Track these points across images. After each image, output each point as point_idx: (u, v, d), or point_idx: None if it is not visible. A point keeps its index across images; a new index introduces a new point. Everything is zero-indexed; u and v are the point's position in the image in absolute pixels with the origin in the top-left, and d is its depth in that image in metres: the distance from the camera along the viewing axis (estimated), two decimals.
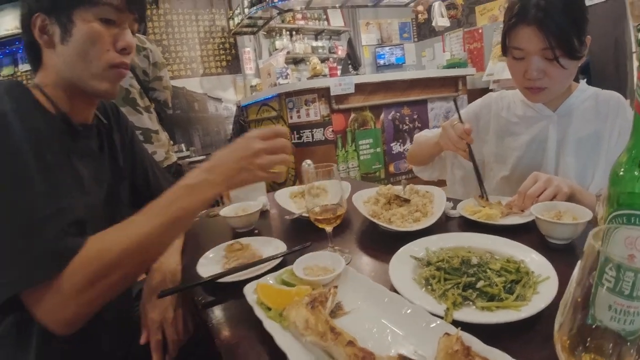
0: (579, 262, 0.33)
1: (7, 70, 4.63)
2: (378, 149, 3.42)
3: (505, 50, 1.06)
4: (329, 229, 0.77)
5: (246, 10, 3.86)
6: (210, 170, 0.70)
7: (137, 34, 2.33)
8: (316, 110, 3.19)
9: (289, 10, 4.06)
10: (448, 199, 0.99)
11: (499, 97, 1.26)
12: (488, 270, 0.63)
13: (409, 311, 0.54)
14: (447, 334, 0.47)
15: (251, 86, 4.65)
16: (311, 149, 3.27)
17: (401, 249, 0.73)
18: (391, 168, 3.52)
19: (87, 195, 0.77)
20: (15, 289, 0.58)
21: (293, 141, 3.33)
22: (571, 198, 0.88)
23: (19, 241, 0.58)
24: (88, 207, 0.74)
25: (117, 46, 0.77)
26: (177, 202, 0.67)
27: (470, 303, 0.57)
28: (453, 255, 0.69)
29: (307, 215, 0.81)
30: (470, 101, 3.88)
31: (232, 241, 0.88)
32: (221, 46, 5.00)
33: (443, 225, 0.93)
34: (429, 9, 4.65)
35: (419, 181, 1.28)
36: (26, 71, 4.64)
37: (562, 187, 0.87)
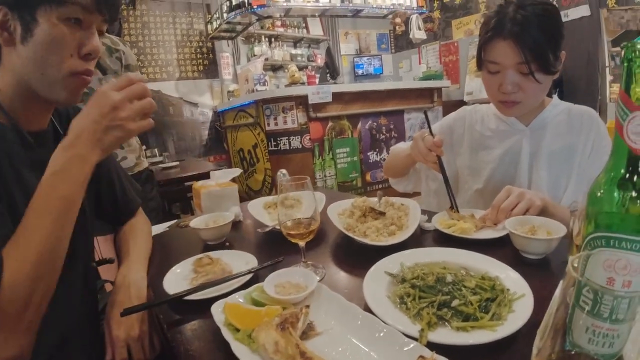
0: (559, 286, 0.33)
1: None
2: (355, 158, 3.43)
3: (481, 64, 1.07)
4: (302, 243, 0.74)
5: (225, 15, 3.82)
6: (72, 144, 0.64)
7: (110, 36, 2.26)
8: (294, 118, 3.18)
9: (268, 17, 4.05)
10: (423, 212, 0.99)
11: (473, 111, 1.27)
12: (463, 288, 0.62)
13: (382, 334, 0.52)
14: (421, 357, 0.46)
15: (228, 91, 4.59)
16: (288, 157, 3.25)
17: (375, 264, 0.71)
18: (368, 177, 3.54)
19: None
20: None
21: (270, 148, 3.30)
22: (544, 211, 0.89)
23: None
24: None
25: (82, 51, 0.69)
26: (54, 194, 0.62)
27: (445, 323, 0.56)
28: (428, 272, 0.68)
29: (278, 228, 0.79)
30: (445, 113, 3.98)
31: (201, 255, 0.84)
32: (198, 50, 4.92)
33: (418, 238, 0.92)
34: (406, 21, 4.74)
35: (394, 192, 1.28)
36: None
37: (534, 201, 0.88)
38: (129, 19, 4.51)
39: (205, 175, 2.87)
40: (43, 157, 0.74)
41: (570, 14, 3.97)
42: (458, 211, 0.99)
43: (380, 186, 3.62)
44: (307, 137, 3.20)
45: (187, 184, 3.02)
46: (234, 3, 3.65)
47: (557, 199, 1.05)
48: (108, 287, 1.12)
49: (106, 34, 2.07)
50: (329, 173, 3.33)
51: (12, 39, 0.68)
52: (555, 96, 1.15)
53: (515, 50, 0.96)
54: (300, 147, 3.21)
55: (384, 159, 3.61)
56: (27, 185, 0.69)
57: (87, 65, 0.71)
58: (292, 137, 3.21)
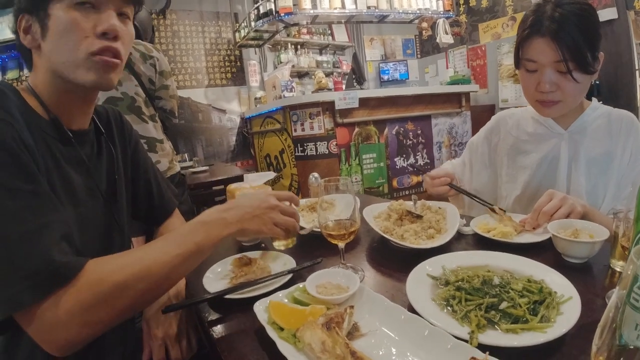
0: (616, 287, 0.33)
1: (12, 74, 4.58)
2: (382, 164, 3.41)
3: (518, 62, 1.05)
4: (341, 244, 0.74)
5: (252, 24, 3.89)
6: (226, 210, 0.73)
7: (144, 43, 2.33)
8: (320, 124, 3.18)
9: (295, 24, 4.09)
10: (461, 216, 0.97)
11: (507, 116, 1.25)
12: (511, 291, 0.60)
13: (429, 335, 0.51)
14: (473, 358, 0.44)
15: (255, 98, 4.66)
16: (315, 162, 3.25)
17: (417, 267, 0.70)
18: (394, 183, 3.50)
19: (79, 206, 0.73)
20: (10, 308, 0.54)
21: (297, 154, 3.32)
22: (584, 218, 0.86)
23: (8, 257, 0.55)
24: (80, 218, 0.72)
25: (97, 31, 0.70)
26: (192, 237, 0.67)
27: (494, 325, 0.55)
28: (473, 274, 0.67)
29: (318, 230, 0.79)
30: (473, 118, 3.92)
31: (239, 255, 0.85)
32: (227, 58, 5.03)
33: (456, 242, 0.90)
34: (433, 26, 4.69)
35: (427, 196, 1.26)
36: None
37: (576, 206, 0.86)
38: (159, 28, 4.66)
39: (234, 180, 2.92)
40: (83, 155, 0.78)
41: (599, 17, 3.85)
42: (501, 209, 0.97)
43: (407, 192, 3.57)
44: (334, 143, 3.20)
45: (215, 188, 3.08)
46: (261, 11, 3.72)
47: (596, 206, 1.01)
48: None
49: (140, 41, 2.15)
50: (356, 179, 3.32)
51: (35, 40, 0.72)
52: (594, 99, 1.11)
53: (553, 48, 0.94)
54: (327, 152, 3.21)
55: (411, 165, 3.58)
56: (67, 179, 0.72)
57: (105, 43, 0.71)
58: (318, 143, 3.22)
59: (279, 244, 0.89)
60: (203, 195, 3.04)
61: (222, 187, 3.07)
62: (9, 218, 0.56)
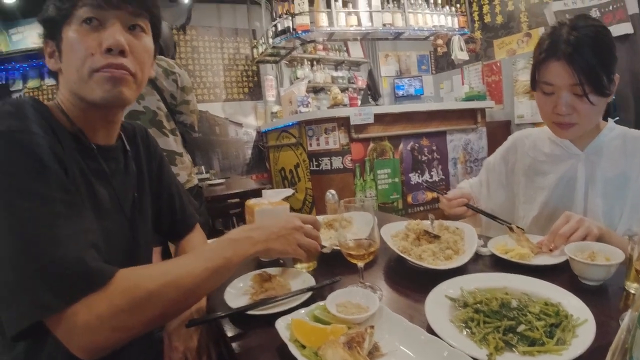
0: (629, 310, 0.34)
1: (33, 83, 4.75)
2: (396, 179, 3.41)
3: (535, 84, 1.06)
4: (361, 264, 0.75)
5: (270, 40, 3.98)
6: (253, 229, 0.77)
7: (166, 59, 2.41)
8: (335, 139, 3.22)
9: (312, 41, 4.18)
10: (478, 236, 0.97)
11: (524, 136, 1.26)
12: (528, 314, 0.61)
13: (447, 354, 0.53)
14: None
15: (272, 113, 4.74)
16: (330, 177, 3.28)
17: (435, 288, 0.71)
18: (409, 199, 3.49)
19: (104, 219, 0.75)
20: (43, 312, 0.55)
21: (312, 168, 3.35)
22: (600, 240, 0.87)
23: (36, 265, 0.55)
24: (105, 231, 0.73)
25: (102, 47, 0.69)
26: (220, 252, 0.70)
27: (511, 347, 0.56)
28: (490, 297, 0.67)
29: (338, 247, 0.80)
30: (489, 134, 3.90)
31: (259, 271, 0.87)
32: (244, 73, 5.15)
33: (474, 263, 0.90)
34: (448, 43, 4.73)
35: (442, 213, 1.27)
36: (52, 85, 4.77)
37: (592, 229, 0.86)
38: (179, 43, 4.81)
39: (250, 194, 2.96)
40: (107, 169, 0.79)
41: (613, 32, 3.84)
42: (519, 228, 0.97)
43: (421, 208, 3.56)
44: (349, 158, 3.22)
45: (230, 201, 3.12)
46: (279, 29, 3.81)
47: (612, 227, 1.01)
48: None
49: (163, 57, 2.22)
50: (370, 194, 3.33)
51: (57, 64, 0.74)
52: (610, 120, 1.12)
53: (569, 72, 0.95)
54: (342, 167, 3.23)
55: (426, 181, 3.57)
56: (93, 192, 0.74)
57: (108, 60, 0.69)
58: (333, 158, 3.24)
59: (301, 266, 0.91)
60: (218, 208, 3.08)
61: (237, 200, 3.12)
62: (41, 224, 0.57)
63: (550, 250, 0.88)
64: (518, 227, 0.98)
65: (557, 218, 0.91)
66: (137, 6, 0.72)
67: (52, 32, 0.73)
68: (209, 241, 1.28)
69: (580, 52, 0.94)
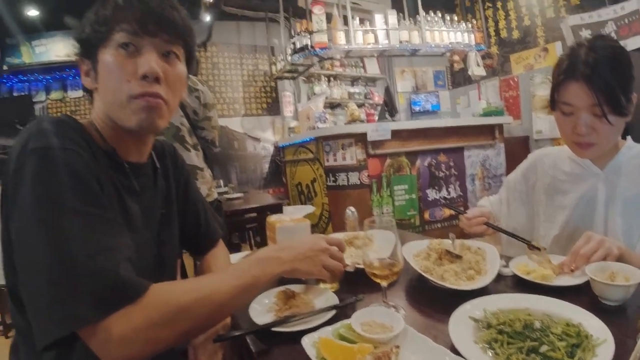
0: None
1: (55, 95, 4.93)
2: (413, 195, 3.40)
3: (554, 105, 1.08)
4: (384, 283, 0.77)
5: (289, 57, 4.07)
6: (281, 250, 0.80)
7: (190, 76, 2.53)
8: (352, 155, 3.24)
9: (329, 58, 4.25)
10: (500, 256, 0.98)
11: (543, 155, 1.27)
12: (550, 334, 0.62)
13: None
14: None
15: (289, 128, 4.81)
16: (346, 192, 3.30)
17: (458, 309, 0.72)
18: (426, 215, 3.47)
19: (136, 233, 0.77)
20: (78, 324, 0.55)
21: (328, 183, 3.38)
22: (620, 260, 0.87)
23: (72, 277, 0.56)
24: (136, 245, 0.75)
25: (138, 74, 0.71)
26: (249, 270, 0.73)
27: None
28: (514, 318, 0.68)
29: (361, 266, 0.82)
30: (507, 150, 3.87)
31: (283, 287, 0.89)
32: (263, 89, 5.27)
33: (495, 283, 0.91)
34: (464, 59, 4.75)
35: (460, 231, 1.27)
36: (75, 97, 4.95)
37: (613, 249, 0.87)
38: (200, 60, 4.96)
39: (267, 208, 3.00)
40: (140, 187, 0.82)
41: (629, 44, 3.81)
42: (539, 247, 0.97)
43: (439, 225, 3.53)
44: (366, 173, 3.24)
45: (247, 215, 3.15)
46: (297, 46, 3.89)
47: (632, 246, 1.01)
48: None
49: None
50: (387, 210, 3.32)
51: (92, 83, 0.76)
52: (629, 138, 1.12)
53: (588, 92, 0.96)
54: (359, 183, 3.25)
55: (445, 198, 3.55)
56: (125, 208, 0.76)
57: (144, 88, 0.71)
58: (350, 173, 3.26)
59: (324, 286, 0.92)
60: (235, 222, 3.12)
61: (254, 214, 3.15)
62: (79, 239, 0.59)
63: (572, 271, 0.89)
64: (537, 246, 0.98)
65: (578, 237, 0.92)
66: (172, 34, 0.74)
67: (88, 52, 0.74)
68: (236, 256, 1.31)
69: (599, 73, 0.95)
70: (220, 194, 3.44)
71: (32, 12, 4.55)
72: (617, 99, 0.95)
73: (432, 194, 3.48)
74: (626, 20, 3.96)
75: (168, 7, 0.74)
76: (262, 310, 0.83)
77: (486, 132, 3.79)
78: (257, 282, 0.72)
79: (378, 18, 3.87)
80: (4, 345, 2.70)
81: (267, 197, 3.60)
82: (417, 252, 1.01)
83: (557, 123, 1.09)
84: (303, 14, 4.54)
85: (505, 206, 1.33)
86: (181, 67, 0.79)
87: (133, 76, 0.71)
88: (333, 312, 0.77)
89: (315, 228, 3.61)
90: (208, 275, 0.74)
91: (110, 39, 0.71)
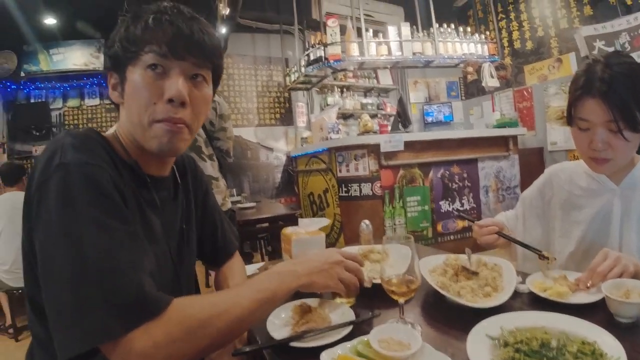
0: None
1: (73, 102, 5.05)
2: (426, 207, 3.39)
3: (571, 120, 1.08)
4: (402, 300, 0.77)
5: (303, 69, 4.12)
6: (297, 264, 0.80)
7: None
8: (365, 165, 3.25)
9: (343, 70, 4.29)
10: (516, 273, 0.97)
11: (559, 170, 1.27)
12: (566, 353, 0.63)
13: None
14: None
15: (302, 138, 4.85)
16: (358, 203, 3.30)
17: (475, 327, 0.72)
18: (439, 227, 3.45)
19: (156, 246, 0.79)
20: (101, 338, 0.56)
21: (341, 194, 3.39)
22: (635, 277, 0.87)
23: (97, 290, 0.57)
24: (156, 258, 0.77)
25: (164, 97, 0.71)
26: (267, 284, 0.74)
27: None
28: (530, 336, 0.68)
29: (377, 281, 0.83)
30: (521, 161, 3.83)
31: (299, 301, 0.90)
32: (276, 100, 5.34)
33: (512, 300, 0.90)
34: (478, 70, 4.74)
35: (473, 242, 1.27)
36: (92, 106, 5.06)
37: (629, 266, 0.87)
38: None
39: (280, 219, 3.02)
40: (161, 200, 0.83)
41: None
42: (545, 257, 0.98)
43: (452, 237, 3.51)
44: (378, 184, 3.24)
45: (258, 225, 3.17)
46: (311, 58, 3.94)
47: None
48: None
49: None
50: (399, 221, 3.31)
51: (119, 98, 0.77)
52: None
53: (604, 109, 0.97)
54: (371, 194, 3.25)
55: (457, 209, 3.53)
56: (147, 221, 0.78)
57: (169, 113, 0.72)
58: (363, 184, 3.27)
59: (340, 301, 0.93)
60: (247, 232, 3.14)
61: (266, 224, 3.17)
62: (103, 253, 0.59)
63: (588, 288, 0.89)
64: (547, 256, 0.98)
65: (593, 253, 0.92)
66: (200, 57, 0.74)
67: (117, 67, 0.75)
68: (250, 267, 1.32)
69: (615, 89, 0.96)
70: (233, 203, 3.47)
71: (50, 21, 4.66)
72: (633, 115, 0.96)
73: (445, 206, 3.46)
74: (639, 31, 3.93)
75: (198, 30, 0.74)
76: (279, 324, 0.84)
77: (500, 144, 3.76)
78: (274, 297, 0.73)
79: (391, 30, 3.90)
80: (15, 348, 2.75)
81: (279, 207, 3.62)
82: (433, 268, 1.01)
83: (574, 138, 1.10)
84: (317, 26, 4.62)
85: (522, 222, 1.32)
86: (207, 90, 0.80)
87: (159, 98, 0.71)
88: (350, 327, 0.78)
89: (326, 239, 3.61)
90: (227, 290, 0.76)
91: (139, 58, 0.71)
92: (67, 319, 0.57)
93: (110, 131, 0.81)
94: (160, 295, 0.63)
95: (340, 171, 3.36)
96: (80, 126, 5.03)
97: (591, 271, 0.89)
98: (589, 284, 0.89)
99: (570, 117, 1.08)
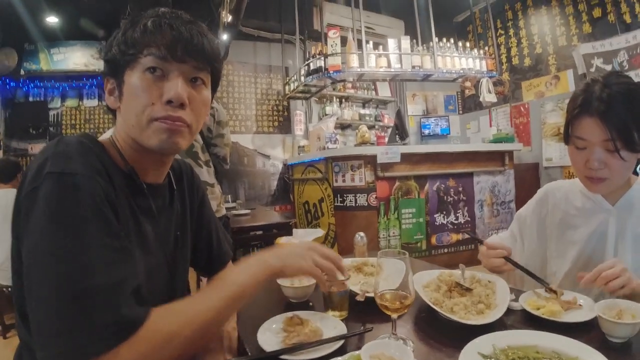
0: None
1: (71, 103, 5.03)
2: (421, 219, 3.39)
3: (568, 138, 1.08)
4: (394, 316, 0.77)
5: (302, 79, 4.14)
6: (268, 254, 0.78)
7: None
8: (361, 176, 3.26)
9: (342, 80, 4.32)
10: (510, 289, 0.97)
11: (555, 188, 1.26)
12: None
13: None
14: None
15: (299, 147, 4.86)
16: (353, 214, 3.30)
17: (468, 345, 0.72)
18: (433, 240, 3.45)
19: (149, 255, 0.77)
20: (75, 358, 0.55)
21: (336, 204, 3.38)
22: (634, 294, 0.89)
23: (76, 311, 0.56)
24: (149, 266, 0.75)
25: (163, 99, 0.71)
26: (234, 279, 0.72)
27: None
28: (523, 355, 0.69)
29: (371, 294, 0.82)
30: (516, 176, 3.86)
31: (291, 314, 0.89)
32: (275, 108, 5.35)
33: (504, 317, 0.90)
34: (476, 85, 4.79)
35: (465, 258, 1.26)
36: (90, 107, 5.04)
37: (632, 281, 0.88)
38: None
39: (274, 227, 3.00)
40: (154, 207, 0.81)
41: None
42: (552, 290, 0.97)
43: (446, 250, 3.50)
44: (374, 196, 3.24)
45: (252, 233, 3.14)
46: (311, 68, 3.97)
47: None
48: None
49: None
50: (393, 233, 3.31)
51: (116, 103, 0.76)
52: None
53: (602, 128, 0.97)
54: (366, 204, 3.25)
55: (452, 222, 3.53)
56: (141, 229, 0.76)
57: (168, 112, 0.71)
58: (358, 195, 3.28)
59: (333, 314, 0.92)
60: (241, 239, 3.11)
61: (261, 232, 3.14)
62: (84, 274, 0.58)
63: (580, 306, 0.90)
64: (554, 290, 0.97)
65: (588, 273, 0.92)
66: (200, 60, 0.74)
67: (114, 72, 0.74)
68: None
69: (613, 108, 0.96)
70: (227, 209, 3.45)
71: (52, 20, 4.65)
72: (630, 134, 0.96)
73: (439, 219, 3.47)
74: (638, 50, 3.98)
75: (197, 33, 0.74)
76: (270, 335, 0.83)
77: (496, 158, 3.79)
78: (243, 292, 0.71)
79: (391, 42, 3.94)
80: (3, 346, 2.69)
81: (274, 215, 3.61)
82: (427, 283, 1.00)
83: (570, 157, 1.10)
84: (318, 36, 4.65)
85: (520, 241, 1.30)
86: (206, 92, 0.79)
87: (158, 100, 0.71)
88: (341, 342, 0.77)
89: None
90: (197, 293, 0.73)
91: (137, 61, 0.71)
92: (44, 335, 0.57)
93: (105, 136, 0.80)
94: (136, 314, 0.61)
95: (336, 181, 3.37)
96: (78, 127, 5.01)
97: (597, 273, 0.90)
98: (589, 285, 0.91)
99: (567, 136, 1.08)
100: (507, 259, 1.08)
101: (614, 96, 0.97)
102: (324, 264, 0.80)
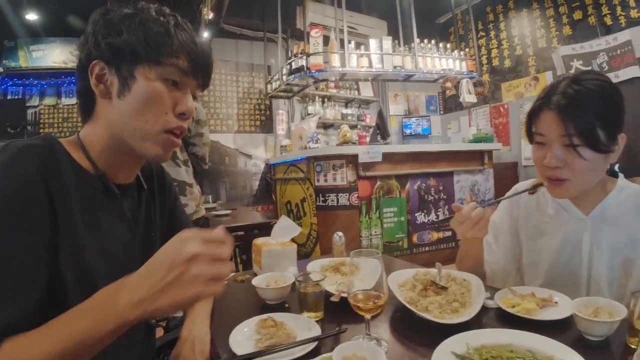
0: None
1: (49, 101, 4.89)
2: (402, 218, 3.41)
3: (530, 136, 1.04)
4: (368, 316, 0.76)
5: (284, 77, 4.12)
6: (123, 285, 0.55)
7: None
8: (343, 176, 3.26)
9: (324, 80, 4.32)
10: (485, 287, 0.97)
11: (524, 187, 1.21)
12: None
13: None
14: None
15: (281, 146, 4.83)
16: (335, 213, 3.29)
17: (441, 344, 0.71)
18: (414, 238, 3.48)
19: (116, 259, 0.74)
20: None
21: (318, 203, 3.38)
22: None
23: None
24: (115, 270, 0.68)
25: (177, 110, 0.72)
26: (74, 326, 0.54)
27: None
28: (496, 354, 0.68)
29: (345, 295, 0.81)
30: (496, 175, 3.91)
31: (265, 316, 0.87)
32: (257, 107, 5.30)
33: (479, 315, 0.90)
34: (456, 86, 4.85)
35: (444, 257, 1.26)
36: (69, 105, 4.91)
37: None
38: None
39: (255, 227, 2.96)
40: (123, 206, 0.79)
41: (621, 75, 3.94)
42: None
43: (427, 248, 3.53)
44: (355, 195, 3.25)
45: (234, 233, 3.10)
46: (293, 67, 3.95)
47: (618, 297, 0.97)
48: (159, 331, 1.16)
49: None
50: (375, 232, 3.32)
51: (108, 92, 0.71)
52: (621, 177, 1.06)
53: (559, 122, 0.93)
54: (348, 204, 3.25)
55: (433, 221, 3.57)
56: (99, 228, 0.72)
57: (180, 123, 0.73)
58: (340, 194, 3.27)
59: (308, 315, 0.91)
60: None
61: (242, 233, 3.10)
62: None
63: (556, 303, 0.89)
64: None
65: (563, 283, 0.92)
66: (207, 80, 0.79)
67: (117, 60, 0.69)
68: None
69: (574, 103, 0.92)
70: (208, 210, 3.40)
71: (32, 17, 4.54)
72: (592, 132, 0.91)
73: (420, 217, 3.49)
74: (618, 52, 4.07)
75: (209, 54, 0.77)
76: (242, 339, 0.81)
77: (476, 158, 3.84)
78: (81, 347, 0.53)
79: (373, 43, 3.96)
80: None
81: (255, 216, 3.57)
82: (402, 282, 1.00)
83: (533, 157, 1.04)
84: (301, 35, 4.64)
85: (496, 247, 1.23)
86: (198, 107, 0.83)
87: (170, 110, 0.72)
88: (315, 343, 0.76)
89: (302, 248, 3.58)
90: (35, 331, 0.55)
91: (160, 66, 0.69)
92: None
93: (71, 137, 0.76)
94: None
95: (318, 180, 3.35)
96: (56, 125, 4.87)
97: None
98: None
99: (530, 133, 1.03)
100: (481, 202, 1.03)
101: (581, 91, 0.92)
102: (217, 273, 0.56)
